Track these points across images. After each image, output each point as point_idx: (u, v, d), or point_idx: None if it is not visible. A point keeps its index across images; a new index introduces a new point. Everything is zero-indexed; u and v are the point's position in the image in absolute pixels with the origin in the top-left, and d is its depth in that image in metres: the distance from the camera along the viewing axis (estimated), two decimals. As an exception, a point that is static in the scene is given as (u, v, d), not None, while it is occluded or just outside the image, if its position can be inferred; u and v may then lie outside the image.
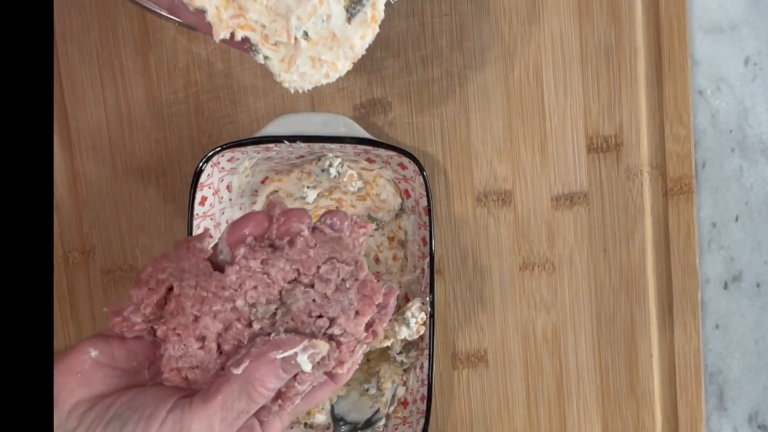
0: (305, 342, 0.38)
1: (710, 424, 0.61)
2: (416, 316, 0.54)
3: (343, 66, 0.44)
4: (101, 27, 0.57)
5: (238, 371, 0.37)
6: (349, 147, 0.53)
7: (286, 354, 0.38)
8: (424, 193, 0.53)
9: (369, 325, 0.41)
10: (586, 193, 0.58)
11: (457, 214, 0.58)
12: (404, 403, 0.56)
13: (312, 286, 0.40)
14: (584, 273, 0.58)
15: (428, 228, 0.54)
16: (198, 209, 0.53)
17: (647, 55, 0.57)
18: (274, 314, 0.39)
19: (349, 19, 0.43)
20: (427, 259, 0.54)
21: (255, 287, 0.39)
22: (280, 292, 0.40)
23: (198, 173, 0.52)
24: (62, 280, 0.58)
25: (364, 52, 0.44)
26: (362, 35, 0.43)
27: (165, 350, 0.39)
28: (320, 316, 0.39)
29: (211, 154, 0.52)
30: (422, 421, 0.54)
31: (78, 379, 0.38)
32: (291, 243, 0.40)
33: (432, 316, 0.54)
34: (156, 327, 0.40)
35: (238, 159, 0.54)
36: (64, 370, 0.38)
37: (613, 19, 0.56)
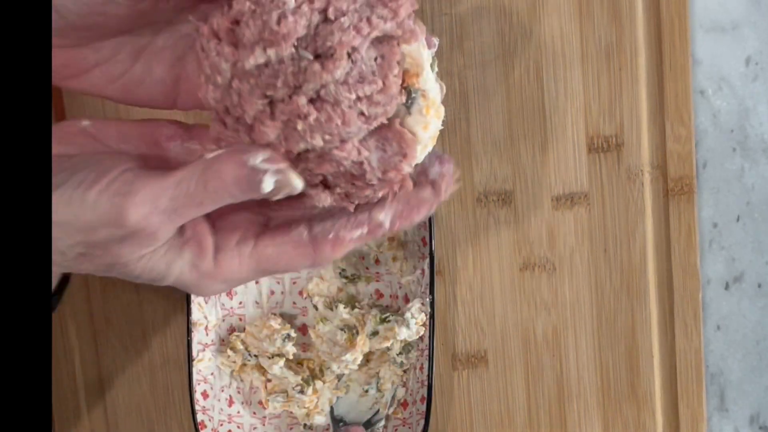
0: (282, 165, 0.34)
1: (711, 425, 0.60)
2: (416, 317, 0.54)
3: None
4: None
5: (209, 156, 0.34)
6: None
7: (254, 163, 0.34)
8: (424, 194, 0.53)
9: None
10: (586, 194, 0.57)
11: (457, 214, 0.58)
12: (404, 404, 0.56)
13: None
14: (585, 273, 0.58)
15: (428, 228, 0.54)
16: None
17: (648, 54, 0.57)
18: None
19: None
20: (427, 260, 0.54)
21: None
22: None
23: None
24: (61, 281, 0.58)
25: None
26: (424, 125, 0.41)
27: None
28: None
29: None
30: (422, 422, 0.53)
31: (57, 139, 0.36)
32: None
33: (432, 316, 0.54)
34: None
35: None
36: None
37: (613, 19, 0.56)
